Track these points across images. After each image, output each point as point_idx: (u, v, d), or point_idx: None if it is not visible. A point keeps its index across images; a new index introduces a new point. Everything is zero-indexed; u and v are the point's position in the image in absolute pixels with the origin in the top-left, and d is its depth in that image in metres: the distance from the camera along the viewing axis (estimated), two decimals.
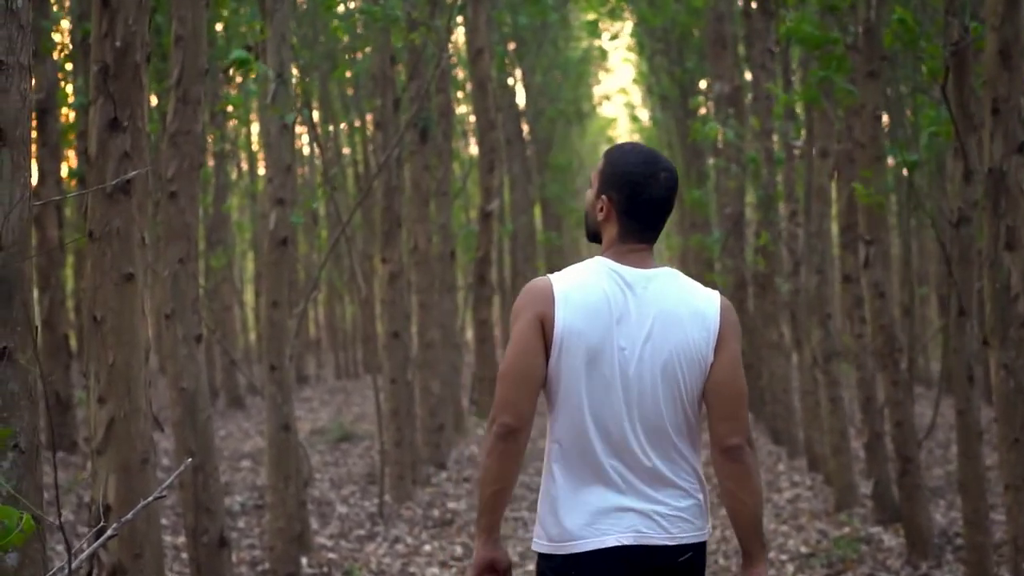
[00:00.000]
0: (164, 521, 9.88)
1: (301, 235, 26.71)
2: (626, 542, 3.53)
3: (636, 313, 3.58)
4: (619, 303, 3.58)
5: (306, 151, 26.04)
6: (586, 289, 3.60)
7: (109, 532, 3.05)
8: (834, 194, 11.54)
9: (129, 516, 2.93)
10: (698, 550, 3.62)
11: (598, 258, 3.70)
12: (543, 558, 3.64)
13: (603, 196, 3.69)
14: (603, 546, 3.53)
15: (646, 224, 3.66)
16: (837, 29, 8.96)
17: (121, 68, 5.05)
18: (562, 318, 3.56)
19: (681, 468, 3.61)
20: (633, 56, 29.58)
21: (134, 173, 4.78)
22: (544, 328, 3.58)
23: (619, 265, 3.64)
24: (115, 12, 5.03)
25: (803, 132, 12.59)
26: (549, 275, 3.68)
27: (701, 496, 3.64)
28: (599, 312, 3.57)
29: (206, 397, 6.41)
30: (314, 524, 10.07)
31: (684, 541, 3.58)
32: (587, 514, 3.55)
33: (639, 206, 3.64)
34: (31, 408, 4.14)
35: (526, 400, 3.55)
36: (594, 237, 3.80)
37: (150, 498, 2.87)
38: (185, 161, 6.34)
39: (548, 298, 3.59)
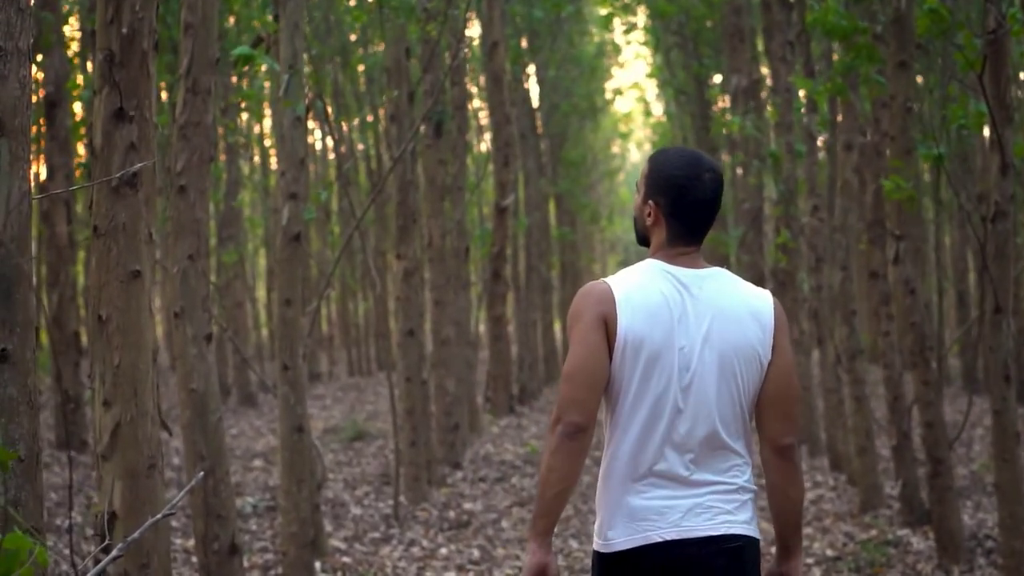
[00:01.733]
0: (175, 524, 9.67)
1: (313, 231, 26.52)
2: (669, 537, 3.57)
3: (694, 313, 3.62)
4: (677, 304, 3.63)
5: (318, 147, 25.84)
6: (645, 291, 3.63)
7: (114, 553, 2.83)
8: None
9: (135, 535, 2.72)
10: (749, 544, 3.64)
11: (650, 260, 3.73)
12: (597, 556, 3.70)
13: (650, 201, 3.72)
14: (648, 542, 3.57)
15: (693, 226, 3.70)
16: (864, 18, 8.71)
17: (127, 56, 4.81)
18: (625, 321, 3.59)
19: (734, 466, 3.66)
20: (647, 51, 29.35)
21: (140, 165, 4.55)
22: (607, 330, 3.60)
23: (672, 266, 3.68)
24: None
25: (826, 125, 12.35)
26: (605, 279, 3.71)
27: (750, 495, 3.69)
28: (660, 314, 3.61)
29: (217, 398, 6.18)
30: (328, 526, 9.84)
31: (728, 531, 3.60)
32: (637, 511, 3.60)
33: (685, 209, 3.68)
34: (30, 413, 3.93)
35: (592, 399, 3.59)
36: (644, 241, 3.83)
37: (158, 516, 2.65)
38: (195, 154, 6.11)
39: (609, 300, 3.62)
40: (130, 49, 4.81)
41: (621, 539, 3.61)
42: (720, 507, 3.61)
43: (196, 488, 6.11)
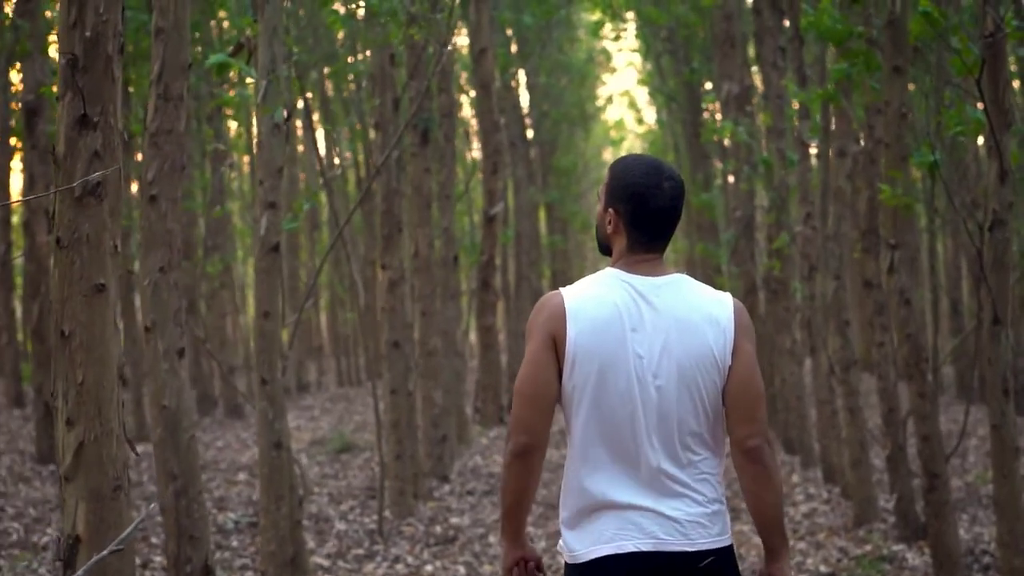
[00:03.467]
0: (155, 540, 9.45)
1: (304, 240, 26.35)
2: (644, 548, 3.55)
3: (651, 322, 3.62)
4: (632, 313, 3.62)
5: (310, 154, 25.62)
6: (597, 302, 3.63)
7: None
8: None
9: (79, 574, 2.50)
10: (721, 555, 3.63)
11: (609, 269, 3.73)
12: (567, 567, 3.69)
13: (610, 209, 3.73)
14: (622, 551, 3.55)
15: (653, 234, 3.70)
16: (858, 23, 8.51)
17: (91, 60, 4.61)
18: (573, 334, 3.60)
19: (700, 475, 3.64)
20: (637, 58, 29.20)
21: (99, 174, 4.34)
22: (556, 345, 3.62)
23: (630, 275, 3.68)
24: None
25: (818, 131, 12.16)
26: (561, 289, 3.71)
27: (720, 503, 3.67)
28: (610, 325, 3.60)
29: (190, 415, 5.97)
30: (311, 542, 9.63)
31: (703, 547, 3.59)
32: (607, 521, 3.59)
33: (645, 217, 3.68)
34: None
35: (540, 418, 3.60)
36: (606, 250, 3.83)
37: (103, 552, 2.44)
38: (166, 162, 5.91)
39: (560, 315, 3.62)
40: (94, 53, 4.61)
41: (589, 548, 3.60)
42: (695, 520, 3.59)
43: (168, 507, 5.90)
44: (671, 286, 3.67)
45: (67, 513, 4.68)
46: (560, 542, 3.72)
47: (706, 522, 3.61)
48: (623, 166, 3.74)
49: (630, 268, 3.69)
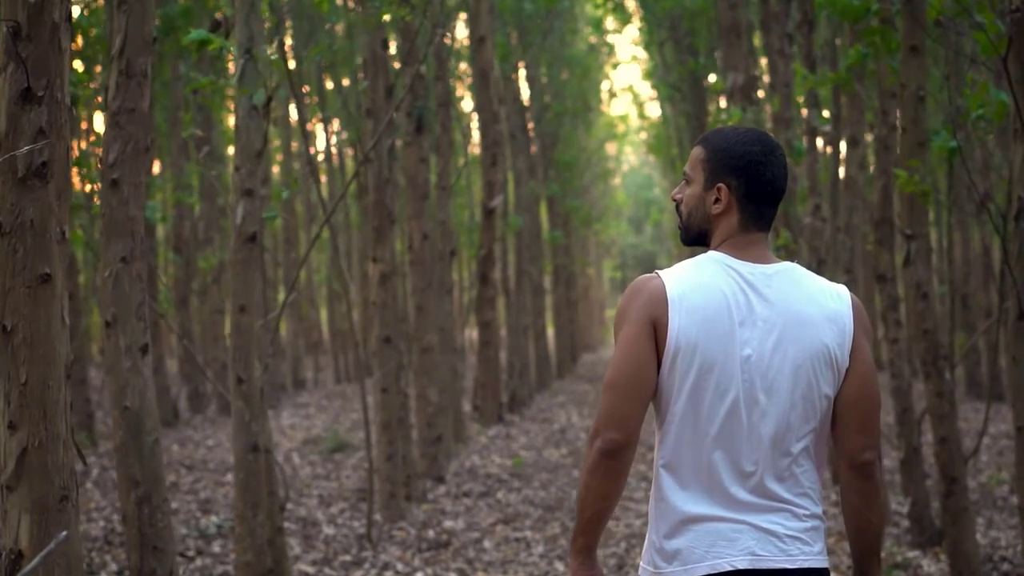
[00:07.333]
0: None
1: (302, 231, 26.00)
2: (741, 566, 3.20)
3: (761, 316, 3.24)
4: (741, 305, 3.24)
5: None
6: (704, 290, 3.24)
7: None
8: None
9: None
10: None
11: (712, 254, 3.33)
12: None
13: (719, 185, 3.32)
14: (716, 571, 3.21)
15: (767, 209, 3.33)
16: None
17: (36, 28, 4.18)
18: (677, 324, 3.21)
19: (802, 488, 3.28)
20: (641, 52, 28.78)
21: (36, 144, 3.91)
22: (656, 334, 3.24)
23: (737, 261, 3.29)
24: None
25: (828, 118, 11.72)
26: (659, 272, 3.31)
27: (819, 520, 3.31)
28: (718, 317, 3.23)
29: (154, 417, 5.53)
30: (296, 548, 9.20)
31: (803, 564, 3.24)
32: (700, 537, 3.23)
33: (762, 188, 3.31)
34: None
35: (634, 413, 3.22)
36: (697, 238, 3.42)
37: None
38: (129, 144, 5.47)
39: (661, 300, 3.23)
40: (38, 20, 4.19)
41: (678, 568, 3.24)
42: (795, 535, 3.24)
43: (130, 517, 5.47)
44: (783, 275, 3.29)
45: (9, 526, 4.26)
46: (644, 555, 3.35)
47: (806, 538, 3.25)
48: (723, 137, 3.35)
49: (737, 253, 3.30)
